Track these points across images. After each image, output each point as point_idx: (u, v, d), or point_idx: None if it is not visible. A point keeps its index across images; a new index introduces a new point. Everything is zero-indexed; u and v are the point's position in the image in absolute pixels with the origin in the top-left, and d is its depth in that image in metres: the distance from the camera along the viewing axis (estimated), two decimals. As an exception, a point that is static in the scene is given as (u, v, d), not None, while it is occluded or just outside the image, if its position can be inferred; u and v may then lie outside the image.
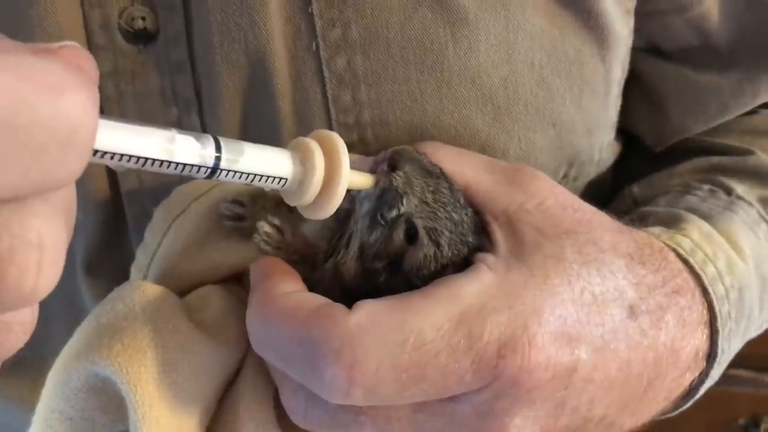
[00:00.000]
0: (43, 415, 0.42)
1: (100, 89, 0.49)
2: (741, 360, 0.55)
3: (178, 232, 0.47)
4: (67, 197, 0.29)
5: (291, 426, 0.43)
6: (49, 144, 0.24)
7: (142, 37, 0.49)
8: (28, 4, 0.47)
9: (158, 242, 0.47)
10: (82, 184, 0.52)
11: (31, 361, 0.52)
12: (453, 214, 0.42)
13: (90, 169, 0.42)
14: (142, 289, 0.44)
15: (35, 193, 0.26)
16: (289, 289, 0.41)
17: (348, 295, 0.41)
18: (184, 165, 0.34)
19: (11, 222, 0.25)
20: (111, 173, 0.52)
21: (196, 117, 0.50)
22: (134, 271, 0.49)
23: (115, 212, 0.53)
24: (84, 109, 0.25)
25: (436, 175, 0.43)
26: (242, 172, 0.37)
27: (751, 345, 0.57)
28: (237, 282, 0.48)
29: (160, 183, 0.51)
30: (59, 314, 0.57)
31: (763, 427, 1.37)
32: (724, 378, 0.52)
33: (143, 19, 0.48)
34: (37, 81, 0.24)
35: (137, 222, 0.52)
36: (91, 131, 0.26)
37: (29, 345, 0.49)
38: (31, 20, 0.47)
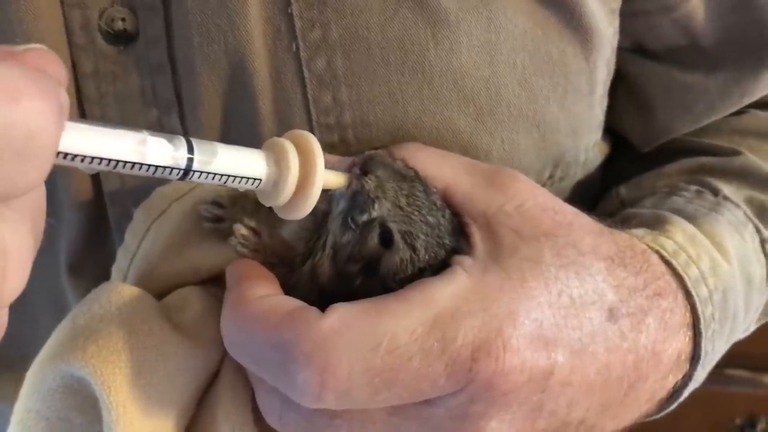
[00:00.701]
0: (20, 415, 0.43)
1: (81, 90, 0.50)
2: (738, 360, 0.55)
3: (157, 233, 0.47)
4: (35, 202, 0.29)
5: (268, 429, 0.43)
6: (3, 152, 0.24)
7: (122, 39, 0.48)
8: (7, 3, 0.47)
9: (138, 243, 0.47)
10: (64, 184, 0.52)
11: (17, 361, 0.52)
12: (428, 217, 0.42)
13: (72, 169, 0.42)
14: (119, 291, 0.44)
15: None
16: (263, 292, 0.41)
17: (326, 298, 0.41)
18: (156, 167, 0.34)
19: None
20: (94, 173, 0.52)
21: (176, 118, 0.49)
22: (115, 272, 0.49)
23: (97, 213, 0.53)
24: (42, 116, 0.25)
25: (410, 178, 0.42)
26: (216, 174, 0.37)
27: (747, 345, 0.57)
28: (217, 283, 0.47)
29: (143, 183, 0.50)
30: (45, 314, 0.57)
31: (759, 427, 1.37)
32: (721, 378, 0.51)
33: (123, 20, 0.48)
34: None
35: (119, 222, 0.52)
36: (51, 137, 0.26)
37: (15, 345, 0.49)
38: (11, 21, 0.47)
